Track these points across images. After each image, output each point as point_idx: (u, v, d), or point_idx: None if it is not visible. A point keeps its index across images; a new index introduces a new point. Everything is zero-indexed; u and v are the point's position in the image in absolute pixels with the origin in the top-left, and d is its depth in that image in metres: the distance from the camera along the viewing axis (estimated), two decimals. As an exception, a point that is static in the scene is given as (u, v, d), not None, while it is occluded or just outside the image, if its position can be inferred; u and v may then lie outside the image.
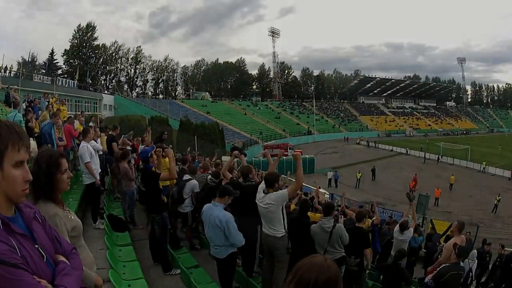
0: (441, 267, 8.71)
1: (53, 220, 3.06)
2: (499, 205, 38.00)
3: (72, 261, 2.60)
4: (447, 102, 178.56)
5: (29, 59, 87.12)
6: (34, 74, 70.16)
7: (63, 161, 3.24)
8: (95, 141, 12.05)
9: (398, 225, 12.48)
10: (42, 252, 2.33)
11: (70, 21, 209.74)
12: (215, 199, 7.59)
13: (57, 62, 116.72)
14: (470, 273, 13.14)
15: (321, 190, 35.36)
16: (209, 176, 11.21)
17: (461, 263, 11.39)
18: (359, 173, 50.15)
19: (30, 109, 15.84)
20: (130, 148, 14.57)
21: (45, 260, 2.33)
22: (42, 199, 3.11)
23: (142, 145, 15.09)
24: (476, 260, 14.13)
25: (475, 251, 14.53)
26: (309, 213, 10.56)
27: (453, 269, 8.30)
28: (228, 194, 7.63)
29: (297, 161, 8.30)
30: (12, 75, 57.99)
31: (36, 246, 2.31)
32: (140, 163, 12.06)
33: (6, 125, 2.21)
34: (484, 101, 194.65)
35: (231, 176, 10.05)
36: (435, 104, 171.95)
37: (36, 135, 12.93)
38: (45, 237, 2.48)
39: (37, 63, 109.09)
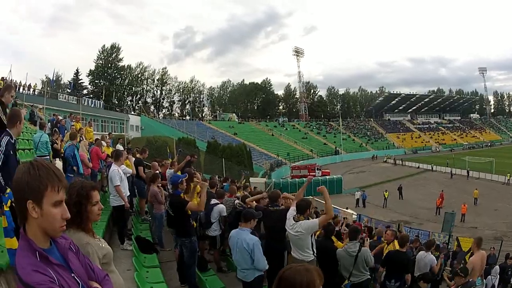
0: None
1: (85, 249, 3.19)
2: (523, 217, 37.26)
3: (105, 287, 2.82)
4: (471, 115, 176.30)
5: (54, 78, 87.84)
6: (59, 93, 71.05)
7: (94, 193, 3.42)
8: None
9: (424, 246, 12.45)
10: (78, 280, 2.51)
11: (93, 41, 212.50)
12: (241, 224, 7.77)
13: (83, 82, 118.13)
14: None
15: (348, 210, 35.36)
16: (237, 201, 11.42)
17: (479, 280, 11.69)
18: (386, 192, 49.69)
19: (56, 129, 15.91)
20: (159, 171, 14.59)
21: (80, 287, 2.51)
22: (73, 229, 3.23)
23: (170, 169, 14.85)
24: (499, 276, 14.29)
25: (497, 267, 14.62)
26: (333, 238, 10.66)
27: None
28: (252, 217, 7.83)
29: (324, 194, 8.37)
30: (36, 93, 57.96)
31: (72, 275, 2.49)
32: (169, 187, 12.00)
33: (44, 167, 2.38)
34: (507, 110, 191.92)
35: (256, 204, 10.18)
36: (459, 118, 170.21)
37: (62, 155, 13.01)
38: (79, 266, 2.66)
39: (61, 82, 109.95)
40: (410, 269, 10.46)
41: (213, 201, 11.25)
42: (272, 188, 43.33)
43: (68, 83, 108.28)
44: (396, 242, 11.01)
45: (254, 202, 10.49)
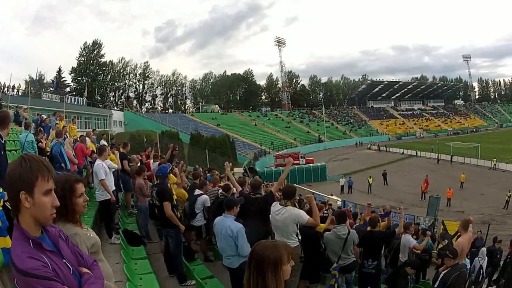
0: (442, 274, 8.75)
1: (74, 239, 3.26)
2: (510, 201, 37.91)
3: (94, 272, 2.91)
4: (455, 101, 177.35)
5: (37, 77, 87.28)
6: (42, 93, 70.52)
7: (78, 186, 3.51)
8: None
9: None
10: (69, 266, 2.65)
11: (75, 39, 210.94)
12: (225, 212, 7.83)
13: (65, 80, 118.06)
14: (481, 270, 13.48)
15: (333, 197, 35.45)
16: (220, 190, 11.56)
17: (466, 260, 11.68)
18: (370, 178, 50.15)
19: (41, 128, 15.79)
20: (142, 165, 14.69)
21: (71, 273, 2.65)
22: (61, 221, 3.33)
23: (154, 161, 15.02)
24: (486, 258, 14.25)
25: (484, 248, 14.68)
26: None
27: (454, 271, 8.37)
28: (234, 204, 7.91)
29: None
30: (20, 94, 57.99)
31: (64, 260, 2.62)
32: (155, 179, 12.01)
33: (34, 159, 2.55)
34: (492, 97, 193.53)
35: (240, 189, 10.14)
36: (443, 104, 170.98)
37: (48, 154, 12.98)
38: (69, 253, 2.79)
39: (45, 81, 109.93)
40: (382, 248, 10.69)
41: (197, 191, 11.38)
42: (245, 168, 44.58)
43: (51, 81, 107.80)
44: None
45: (237, 185, 10.42)
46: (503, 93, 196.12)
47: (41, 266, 2.36)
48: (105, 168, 10.79)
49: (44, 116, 23.65)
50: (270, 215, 8.39)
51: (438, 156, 70.98)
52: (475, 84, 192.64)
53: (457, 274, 8.31)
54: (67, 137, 14.95)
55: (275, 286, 2.70)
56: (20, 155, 2.69)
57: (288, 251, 2.81)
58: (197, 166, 26.79)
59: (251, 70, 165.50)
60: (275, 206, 8.16)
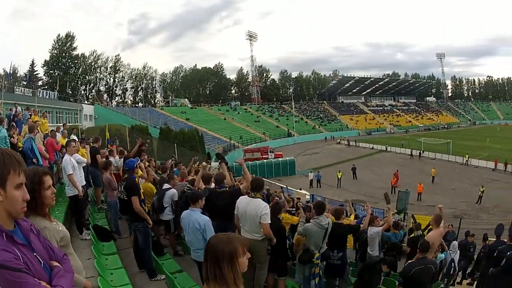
0: (406, 263, 8.90)
1: (43, 232, 3.30)
2: (483, 196, 38.55)
3: (64, 266, 2.98)
4: (427, 98, 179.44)
5: (10, 71, 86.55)
6: (15, 87, 69.56)
7: (46, 178, 3.56)
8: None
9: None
10: (40, 259, 2.73)
11: (50, 31, 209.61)
12: (191, 205, 7.89)
13: (38, 74, 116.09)
14: (453, 263, 13.47)
15: (302, 191, 35.47)
16: (187, 185, 11.58)
17: (441, 255, 11.85)
18: (339, 172, 50.45)
19: (13, 124, 16.08)
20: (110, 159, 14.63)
21: (42, 266, 2.72)
22: (31, 214, 3.40)
23: (120, 157, 14.91)
24: (459, 251, 14.34)
25: (455, 242, 14.79)
26: (284, 215, 11.07)
27: (419, 264, 8.39)
28: (199, 197, 7.99)
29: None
30: (-6, 88, 56.77)
31: (34, 254, 2.71)
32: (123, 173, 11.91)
33: (7, 153, 2.63)
34: (465, 95, 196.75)
35: (205, 186, 10.11)
36: (415, 100, 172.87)
37: (20, 149, 12.92)
38: (40, 246, 2.88)
39: (18, 75, 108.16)
40: (347, 240, 10.54)
41: (165, 185, 11.51)
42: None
43: (24, 75, 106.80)
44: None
45: (201, 183, 10.46)
46: (477, 91, 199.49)
47: (13, 258, 2.43)
48: (72, 163, 10.73)
49: (20, 109, 23.61)
50: (235, 209, 8.37)
51: (411, 151, 71.39)
52: (448, 82, 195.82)
53: (421, 268, 8.33)
54: (38, 132, 14.73)
55: (232, 278, 2.80)
56: None
57: (243, 244, 2.92)
58: (173, 158, 26.58)
59: (222, 64, 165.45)
60: (244, 199, 8.25)
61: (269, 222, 7.97)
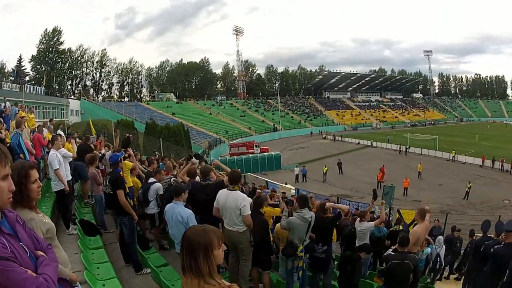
0: (385, 255, 9.16)
1: (30, 223, 3.41)
2: (470, 192, 38.78)
3: (49, 255, 3.06)
4: (414, 94, 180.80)
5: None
6: (3, 82, 69.14)
7: (32, 172, 3.64)
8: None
9: (358, 216, 12.94)
10: (26, 249, 2.82)
11: (38, 25, 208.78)
12: (174, 199, 7.97)
13: (25, 69, 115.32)
14: (438, 258, 13.66)
15: (287, 186, 35.51)
16: (173, 178, 11.69)
17: (427, 249, 12.29)
18: (325, 167, 50.63)
19: (0, 119, 15.86)
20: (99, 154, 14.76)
21: (28, 255, 2.81)
22: (18, 206, 3.51)
23: (108, 151, 14.76)
24: (444, 246, 14.45)
25: (441, 237, 14.84)
26: (266, 209, 10.99)
27: (396, 258, 8.52)
28: (182, 191, 8.06)
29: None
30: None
31: (21, 243, 2.80)
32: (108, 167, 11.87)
33: None
34: (452, 92, 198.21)
35: (189, 179, 10.29)
36: (401, 97, 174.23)
37: (8, 145, 12.73)
38: (26, 237, 2.96)
39: (5, 70, 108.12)
40: (332, 234, 11.07)
41: (151, 179, 11.61)
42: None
43: (12, 70, 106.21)
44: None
45: (186, 176, 10.67)
46: (464, 88, 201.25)
47: (0, 247, 2.52)
48: (58, 158, 10.80)
49: (9, 104, 23.54)
50: (215, 202, 8.47)
51: (399, 147, 71.71)
52: (435, 79, 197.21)
53: (399, 262, 8.42)
54: (25, 127, 14.77)
55: (207, 270, 2.87)
56: None
57: (218, 236, 2.98)
58: (155, 153, 26.54)
59: (208, 59, 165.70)
60: (223, 192, 8.35)
61: (249, 213, 8.05)
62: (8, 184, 2.72)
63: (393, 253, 8.80)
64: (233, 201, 8.00)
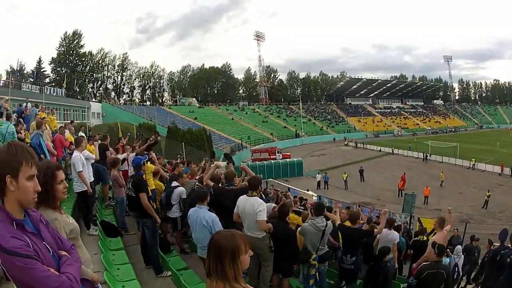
0: (420, 265, 8.89)
1: (53, 223, 3.44)
2: (489, 200, 38.29)
3: (72, 255, 3.08)
4: (435, 101, 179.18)
5: (17, 68, 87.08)
6: (22, 83, 69.14)
7: (59, 172, 3.70)
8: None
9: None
10: (49, 248, 2.85)
11: (57, 28, 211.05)
12: (198, 203, 8.05)
13: (45, 71, 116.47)
14: (456, 268, 13.36)
15: (309, 192, 35.43)
16: (196, 183, 11.55)
17: (446, 259, 11.57)
18: (345, 174, 50.32)
19: (21, 120, 16.20)
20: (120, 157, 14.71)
21: (51, 254, 2.84)
22: (42, 206, 3.51)
23: (132, 153, 14.78)
24: (463, 256, 14.24)
25: (459, 246, 14.62)
26: (291, 215, 11.01)
27: (432, 268, 8.42)
28: (205, 195, 8.20)
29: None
30: (1, 84, 57.09)
31: (44, 243, 2.83)
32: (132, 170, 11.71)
33: (20, 146, 2.76)
34: (472, 98, 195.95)
35: (213, 183, 10.14)
36: (422, 103, 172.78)
37: (28, 145, 12.68)
38: (49, 236, 2.98)
39: (25, 71, 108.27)
40: (362, 244, 10.68)
41: (174, 183, 11.53)
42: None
43: (31, 72, 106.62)
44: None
45: (210, 180, 10.35)
46: (484, 95, 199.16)
47: (23, 245, 2.57)
48: (82, 160, 10.79)
49: (29, 105, 23.81)
50: (235, 207, 8.49)
51: (423, 154, 70.93)
52: (456, 85, 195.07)
53: (433, 272, 8.37)
54: (46, 128, 14.74)
55: (233, 275, 2.86)
56: (7, 142, 2.96)
57: (245, 241, 2.97)
58: (179, 157, 26.63)
59: (229, 64, 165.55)
60: (243, 198, 8.34)
61: (265, 218, 8.09)
62: (34, 184, 2.77)
63: (427, 263, 8.75)
64: (250, 207, 8.03)
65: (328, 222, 9.23)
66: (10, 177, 2.67)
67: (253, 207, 7.97)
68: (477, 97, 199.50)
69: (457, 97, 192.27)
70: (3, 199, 2.72)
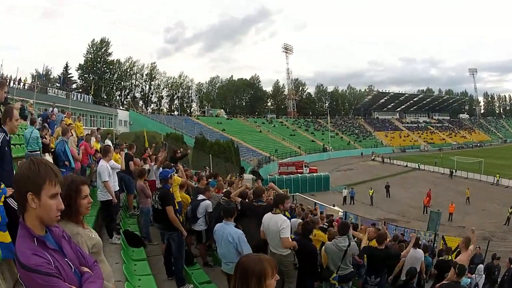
0: (438, 284, 8.82)
1: (75, 238, 3.36)
2: (511, 217, 37.67)
3: (94, 272, 3.02)
4: (460, 115, 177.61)
5: (43, 72, 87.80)
6: (48, 88, 69.88)
7: (84, 187, 3.60)
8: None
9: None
10: (71, 264, 2.79)
11: (84, 35, 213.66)
12: (224, 219, 8.03)
13: (72, 76, 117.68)
14: None
15: (335, 208, 35.36)
16: (222, 197, 11.54)
17: (466, 280, 11.54)
18: (371, 190, 49.96)
19: (45, 125, 15.97)
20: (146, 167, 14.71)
21: (73, 271, 2.78)
22: (64, 220, 3.35)
23: (155, 165, 14.55)
24: (484, 275, 14.13)
25: (481, 266, 14.47)
26: (317, 232, 11.03)
27: (451, 287, 8.34)
28: (233, 212, 8.15)
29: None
30: (26, 87, 57.56)
31: (66, 259, 2.76)
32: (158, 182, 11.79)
33: (43, 164, 2.70)
34: (497, 112, 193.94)
35: (241, 200, 10.39)
36: (448, 117, 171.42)
37: (52, 150, 13.13)
38: (71, 252, 2.92)
39: (51, 76, 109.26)
40: (386, 265, 10.54)
41: (200, 196, 11.45)
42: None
43: (58, 77, 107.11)
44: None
45: (237, 197, 10.65)
46: (508, 108, 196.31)
47: (44, 263, 2.50)
48: (109, 170, 10.86)
49: (56, 110, 23.88)
50: (261, 225, 8.49)
51: (450, 170, 70.01)
52: (481, 99, 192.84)
53: None
54: (72, 135, 14.89)
55: None
56: (29, 158, 2.86)
57: (273, 266, 2.90)
58: (206, 169, 26.82)
59: (258, 76, 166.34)
60: (268, 215, 8.32)
61: (288, 236, 8.04)
62: (57, 202, 2.73)
63: (446, 282, 8.66)
64: (274, 224, 8.00)
65: (352, 242, 9.30)
66: (31, 194, 2.62)
67: (277, 225, 7.95)
68: (501, 111, 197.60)
69: (482, 111, 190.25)
70: (23, 215, 2.70)
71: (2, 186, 5.00)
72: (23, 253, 2.53)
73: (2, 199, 4.85)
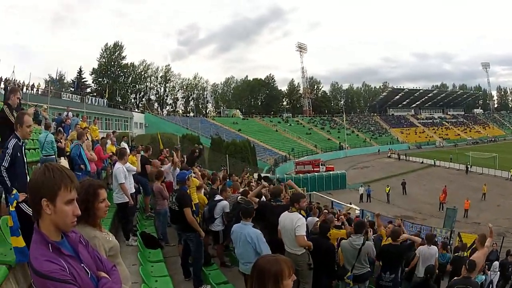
0: (451, 280, 8.90)
1: (92, 241, 3.36)
2: (525, 213, 37.03)
3: (112, 277, 3.04)
4: (475, 110, 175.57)
5: (57, 77, 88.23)
6: (62, 93, 70.54)
7: (101, 191, 3.63)
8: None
9: (425, 239, 12.32)
10: (87, 270, 2.78)
11: (97, 40, 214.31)
12: (242, 219, 8.03)
13: (86, 81, 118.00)
14: (491, 285, 13.35)
15: (352, 206, 35.26)
16: (239, 196, 11.43)
17: (481, 277, 11.48)
18: (387, 187, 49.62)
19: (60, 129, 16.14)
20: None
21: (89, 277, 2.77)
22: (81, 223, 3.36)
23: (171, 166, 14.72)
24: (498, 272, 14.27)
25: (496, 263, 14.53)
26: (332, 231, 10.73)
27: (460, 283, 8.36)
28: (251, 212, 8.11)
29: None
30: (39, 93, 57.66)
31: (82, 265, 2.75)
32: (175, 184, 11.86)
33: (58, 170, 2.67)
34: (510, 106, 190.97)
35: (258, 200, 10.44)
36: (463, 113, 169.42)
37: (67, 154, 13.30)
38: (89, 257, 2.91)
39: (65, 81, 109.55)
40: (402, 262, 10.75)
41: (217, 197, 11.50)
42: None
43: (72, 82, 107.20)
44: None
45: (254, 197, 10.65)
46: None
47: (58, 270, 2.49)
48: (125, 172, 10.98)
49: (71, 114, 24.08)
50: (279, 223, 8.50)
51: (466, 166, 69.26)
52: (494, 93, 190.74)
53: (463, 287, 8.28)
54: (88, 139, 15.09)
55: None
56: (44, 164, 2.82)
57: (289, 266, 2.92)
58: (223, 168, 26.90)
59: (273, 75, 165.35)
60: (284, 214, 8.35)
61: (303, 234, 8.05)
62: (73, 208, 2.69)
63: (458, 278, 8.64)
64: (289, 223, 8.00)
65: (367, 241, 9.29)
66: (46, 200, 2.59)
67: (292, 222, 7.93)
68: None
69: (495, 105, 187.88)
70: (38, 221, 2.67)
71: (14, 191, 5.06)
72: (36, 259, 2.53)
73: (14, 204, 4.88)
